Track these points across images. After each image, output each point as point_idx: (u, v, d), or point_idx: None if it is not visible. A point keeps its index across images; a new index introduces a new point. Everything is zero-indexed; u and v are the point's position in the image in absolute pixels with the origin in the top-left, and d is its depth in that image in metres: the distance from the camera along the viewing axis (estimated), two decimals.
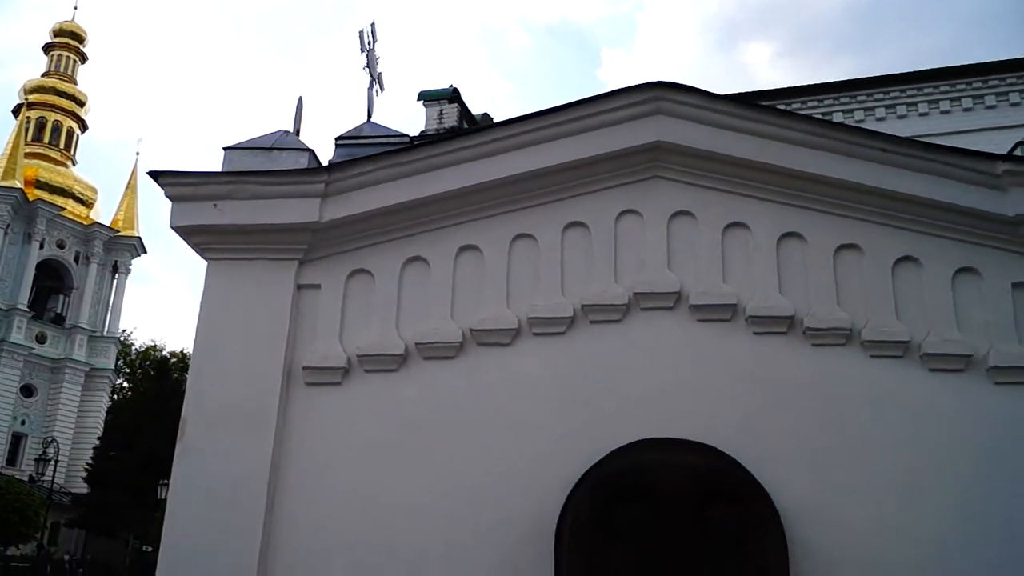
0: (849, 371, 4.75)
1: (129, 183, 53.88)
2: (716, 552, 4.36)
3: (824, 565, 4.44)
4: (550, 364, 4.82)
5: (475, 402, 4.78)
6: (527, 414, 4.76)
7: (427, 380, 4.83)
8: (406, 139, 5.32)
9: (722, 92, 4.91)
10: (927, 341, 4.74)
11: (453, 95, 15.82)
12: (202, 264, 4.95)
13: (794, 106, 13.88)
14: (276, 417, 4.75)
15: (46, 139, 53.43)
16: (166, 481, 6.98)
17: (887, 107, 14.85)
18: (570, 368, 4.80)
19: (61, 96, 55.05)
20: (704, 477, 4.47)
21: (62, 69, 56.52)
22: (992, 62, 14.76)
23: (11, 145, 48.93)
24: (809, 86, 15.57)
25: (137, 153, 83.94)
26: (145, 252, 51.98)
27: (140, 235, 51.83)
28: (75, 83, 56.77)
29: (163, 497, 23.61)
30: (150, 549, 28.01)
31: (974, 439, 4.64)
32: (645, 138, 4.92)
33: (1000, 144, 5.15)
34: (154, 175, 4.87)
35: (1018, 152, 4.93)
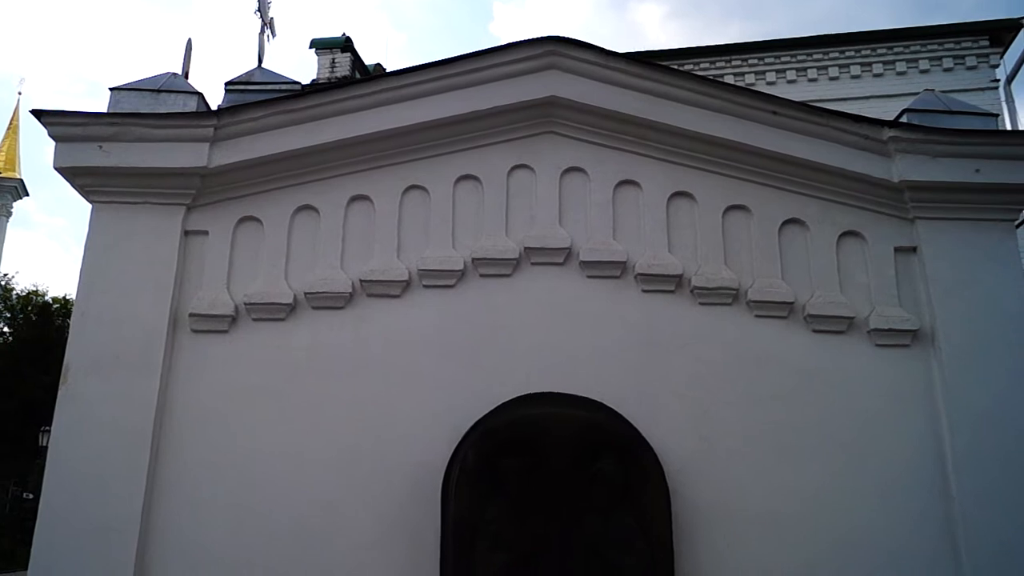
0: (734, 330, 4.83)
1: (11, 124, 51.13)
2: (601, 504, 4.42)
3: (706, 518, 4.54)
4: (440, 317, 4.81)
5: (363, 353, 4.76)
6: (416, 366, 4.75)
7: (315, 330, 4.79)
8: (298, 86, 5.22)
9: (615, 50, 4.89)
10: (811, 302, 4.83)
11: (346, 44, 15.56)
12: (84, 209, 4.83)
13: (686, 67, 14.06)
14: (162, 363, 4.66)
15: None
16: (47, 428, 6.82)
17: (777, 72, 15.20)
18: (459, 321, 4.80)
19: None
20: (590, 430, 4.52)
21: None
22: (880, 30, 15.26)
23: None
24: (701, 48, 15.84)
25: (19, 93, 79.48)
26: (27, 195, 50.09)
27: (22, 177, 49.92)
28: None
29: (44, 444, 23.13)
30: (31, 496, 27.55)
31: (854, 399, 4.76)
32: (538, 93, 4.90)
33: (888, 112, 5.23)
34: (37, 114, 4.73)
35: (904, 119, 5.01)
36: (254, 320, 4.81)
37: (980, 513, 4.51)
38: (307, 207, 4.93)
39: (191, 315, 4.78)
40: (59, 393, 4.65)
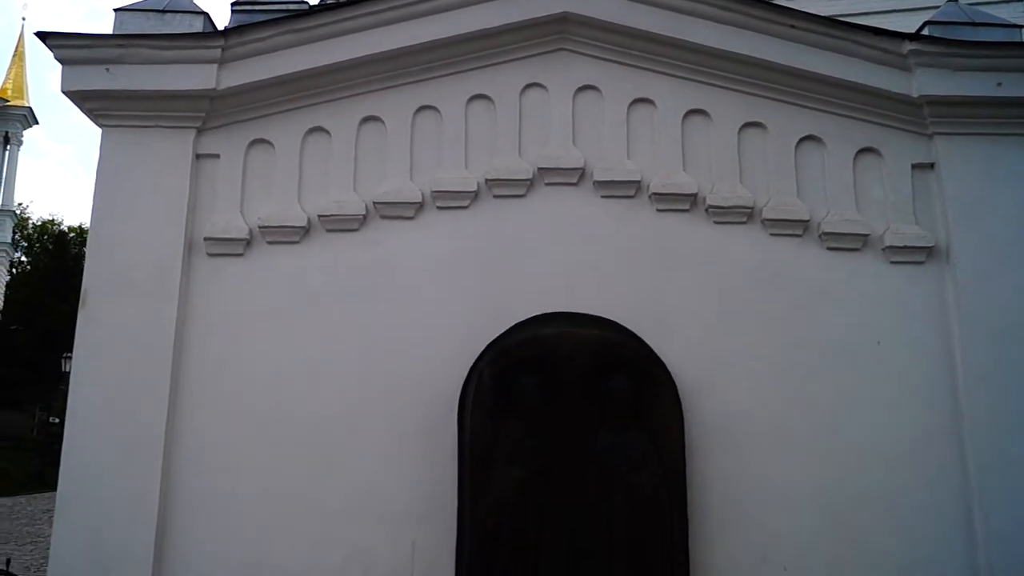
0: (749, 248, 4.81)
1: (16, 51, 50.39)
2: (614, 421, 4.48)
3: (718, 434, 4.61)
4: (453, 238, 4.81)
5: (378, 275, 4.78)
6: (430, 287, 4.78)
7: (330, 253, 4.80)
8: (305, 5, 5.11)
9: None
10: (826, 220, 4.81)
11: None
12: (92, 136, 4.88)
13: None
14: (179, 287, 4.70)
15: None
16: (69, 355, 6.92)
17: None
18: (473, 242, 4.80)
19: None
20: (603, 349, 4.55)
21: None
22: None
23: None
24: None
25: (23, 19, 78.19)
26: (37, 123, 49.65)
27: (30, 105, 49.44)
28: None
29: (67, 370, 23.49)
30: (56, 420, 28.25)
31: (867, 317, 4.77)
32: (552, 8, 4.79)
33: (910, 26, 5.09)
34: (42, 36, 4.66)
35: (925, 32, 4.89)
36: (269, 243, 4.81)
37: (988, 430, 4.56)
38: (318, 129, 4.88)
39: (206, 239, 4.79)
40: (79, 318, 4.71)
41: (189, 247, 4.79)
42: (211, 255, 4.81)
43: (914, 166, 4.87)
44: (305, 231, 4.81)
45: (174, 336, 4.66)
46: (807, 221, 4.80)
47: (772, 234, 4.81)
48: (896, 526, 4.55)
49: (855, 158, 4.87)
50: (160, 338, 4.65)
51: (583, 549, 4.37)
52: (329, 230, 4.82)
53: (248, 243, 4.81)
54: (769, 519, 4.55)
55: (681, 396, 4.50)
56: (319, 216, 4.78)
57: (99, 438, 4.55)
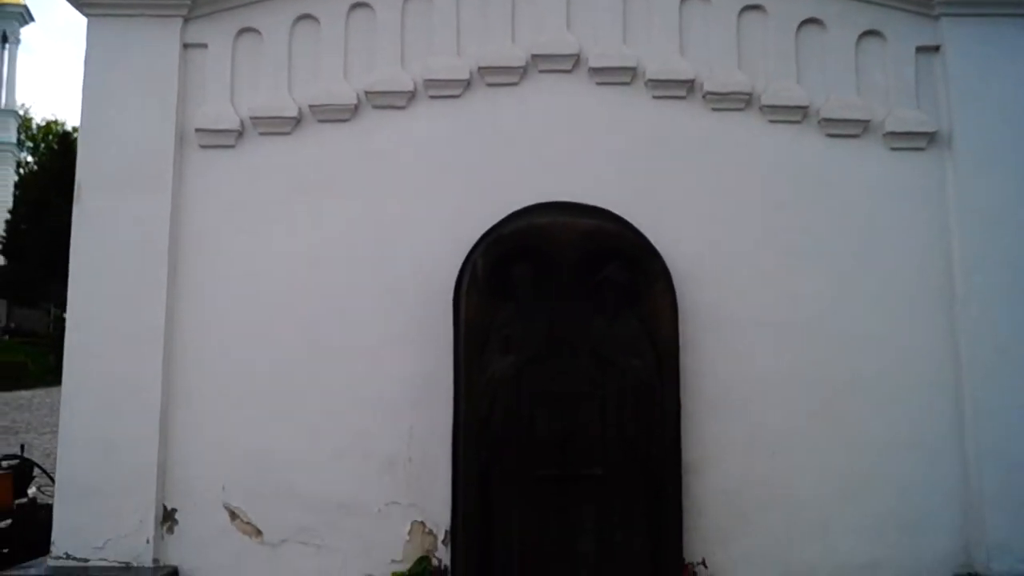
0: (746, 136, 4.75)
1: None
2: (608, 309, 4.50)
3: (711, 322, 4.64)
4: (446, 127, 4.76)
5: (371, 165, 4.75)
6: (424, 177, 4.75)
7: (321, 143, 4.77)
8: None
9: None
10: (826, 106, 4.72)
11: None
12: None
13: None
14: (171, 179, 4.70)
15: None
16: None
17: None
18: (466, 132, 4.76)
19: None
20: (598, 238, 4.54)
21: None
22: None
23: None
24: None
25: None
26: (33, 20, 48.41)
27: (25, 3, 48.07)
28: None
29: None
30: None
31: (866, 204, 4.75)
32: None
33: None
34: None
35: None
36: (260, 134, 4.78)
37: (982, 313, 4.58)
38: (307, 16, 4.79)
39: (197, 130, 4.75)
40: (74, 212, 4.72)
41: (180, 139, 4.76)
42: (203, 147, 4.78)
43: (918, 49, 4.75)
44: (296, 122, 4.76)
45: (168, 230, 4.68)
46: (806, 107, 4.71)
47: (771, 121, 4.73)
48: (884, 410, 4.62)
49: (857, 42, 4.76)
50: (155, 233, 4.68)
51: (576, 433, 4.45)
52: (320, 120, 4.77)
53: (239, 134, 4.77)
54: (759, 405, 4.62)
55: (675, 283, 4.51)
56: (310, 106, 4.73)
57: (100, 331, 4.62)
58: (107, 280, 4.65)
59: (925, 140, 4.70)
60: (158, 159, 4.70)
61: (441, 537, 4.60)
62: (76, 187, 4.73)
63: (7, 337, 31.18)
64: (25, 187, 35.38)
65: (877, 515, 4.57)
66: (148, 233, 4.68)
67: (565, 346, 4.50)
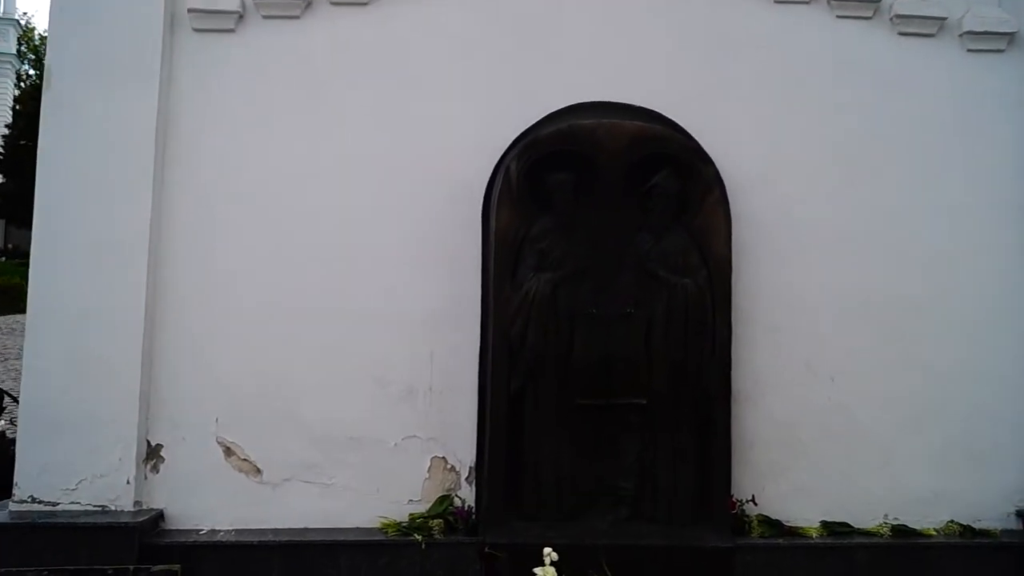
0: (812, 32, 4.31)
1: None
2: (656, 221, 4.08)
3: (768, 235, 4.24)
4: (476, 15, 4.25)
5: (391, 54, 4.20)
6: (452, 70, 4.23)
7: (336, 27, 4.21)
8: None
9: None
10: (899, 2, 4.28)
11: None
12: None
13: None
14: (160, 67, 4.09)
15: None
16: None
17: None
18: (498, 20, 4.25)
19: None
20: (645, 142, 4.06)
21: None
22: None
23: None
24: None
25: None
26: None
27: None
28: None
29: None
30: None
31: (937, 109, 4.36)
32: None
33: None
34: None
35: None
36: (264, 17, 4.20)
37: None
38: None
39: (190, 11, 4.15)
40: (43, 101, 4.10)
41: (171, 20, 4.16)
42: (197, 31, 4.18)
43: None
44: (306, 3, 4.18)
45: (156, 124, 4.09)
46: (878, 2, 4.27)
47: (839, 16, 4.30)
48: (953, 335, 4.28)
49: None
50: (141, 127, 4.08)
51: (618, 358, 4.05)
52: (333, 3, 4.20)
53: (241, 17, 4.19)
54: (818, 327, 4.25)
55: (730, 195, 4.07)
56: None
57: (73, 240, 4.03)
58: (82, 182, 4.05)
59: (1005, 41, 4.32)
60: (144, 44, 4.09)
61: (465, 474, 4.17)
62: (46, 71, 4.10)
63: (3, 259, 29.84)
64: (25, 100, 33.60)
65: (941, 445, 4.25)
66: (131, 130, 4.07)
67: (608, 262, 4.07)
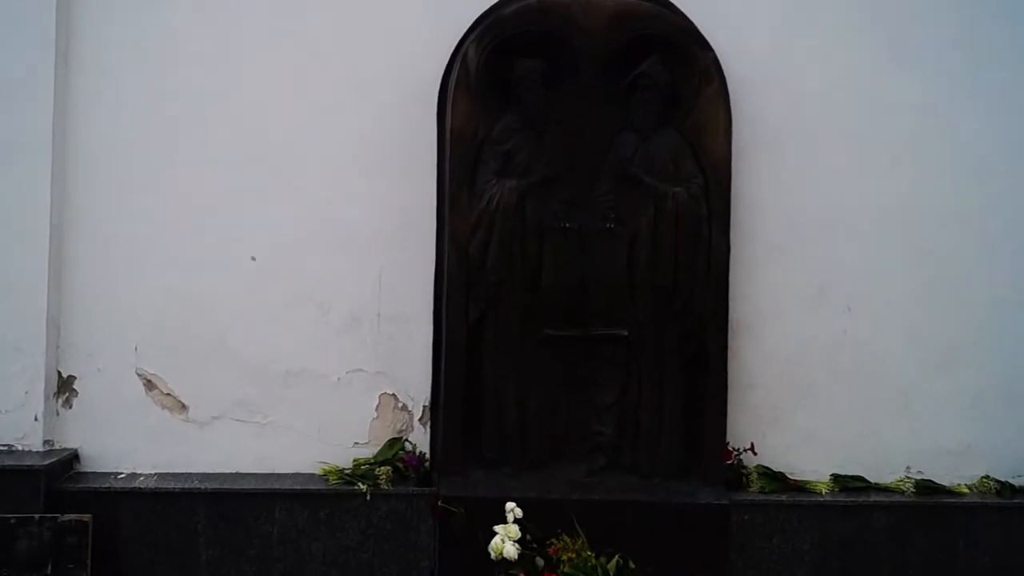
0: None
1: None
2: (642, 119, 3.49)
3: (773, 137, 3.66)
4: None
5: None
6: None
7: None
8: None
9: None
10: None
11: None
12: None
13: None
14: None
15: None
16: None
17: None
18: None
19: None
20: (630, 23, 3.43)
21: None
22: None
23: None
24: None
25: None
26: None
27: None
28: None
29: None
30: None
31: None
32: None
33: None
34: None
35: None
36: None
37: None
38: None
39: None
40: None
41: None
42: None
43: None
44: None
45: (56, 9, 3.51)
46: None
47: None
48: (990, 255, 3.71)
49: None
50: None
51: (596, 281, 3.50)
52: None
53: None
54: (832, 246, 3.69)
55: (730, 87, 3.46)
56: None
57: None
58: None
59: None
60: None
61: (418, 415, 3.70)
62: None
63: None
64: None
65: (975, 388, 3.72)
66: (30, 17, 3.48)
67: (584, 167, 3.50)
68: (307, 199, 3.61)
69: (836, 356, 3.66)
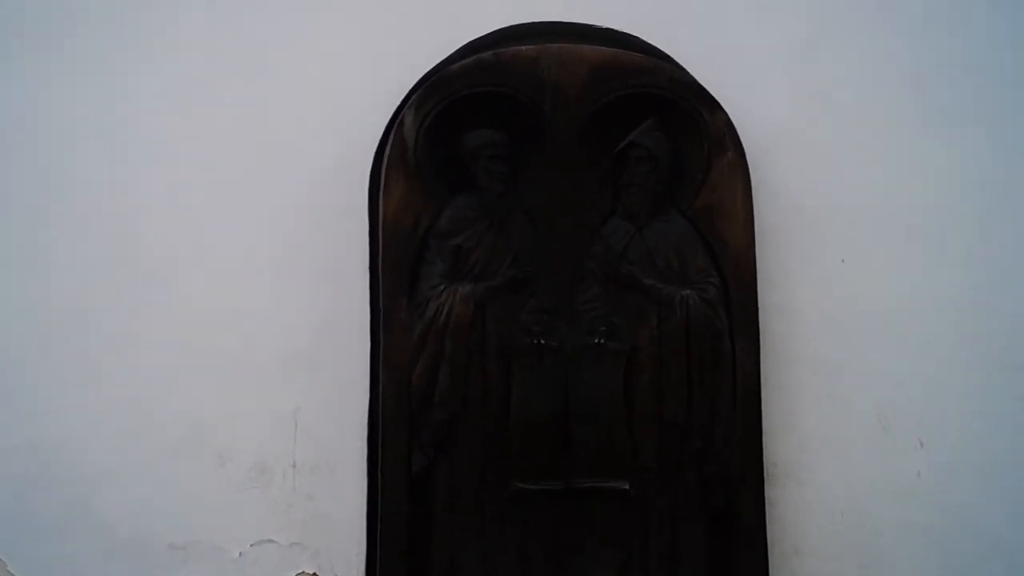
0: None
1: None
2: (635, 201, 2.66)
3: (801, 212, 2.82)
4: None
5: None
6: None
7: None
8: None
9: None
10: None
11: None
12: None
13: None
14: None
15: None
16: None
17: None
18: None
19: None
20: (617, 76, 2.64)
21: None
22: None
23: None
24: None
25: None
26: None
27: None
28: None
29: None
30: None
31: None
32: None
33: None
34: None
35: None
36: None
37: None
38: None
39: None
40: None
41: None
42: None
43: None
44: None
45: None
46: None
47: None
48: None
49: None
50: None
51: (583, 418, 2.60)
52: None
53: None
54: (897, 361, 2.79)
55: (748, 156, 2.65)
56: None
57: None
58: None
59: None
60: None
61: None
62: None
63: None
64: None
65: None
66: None
67: (562, 266, 2.66)
68: (204, 312, 2.75)
69: (911, 506, 2.75)
